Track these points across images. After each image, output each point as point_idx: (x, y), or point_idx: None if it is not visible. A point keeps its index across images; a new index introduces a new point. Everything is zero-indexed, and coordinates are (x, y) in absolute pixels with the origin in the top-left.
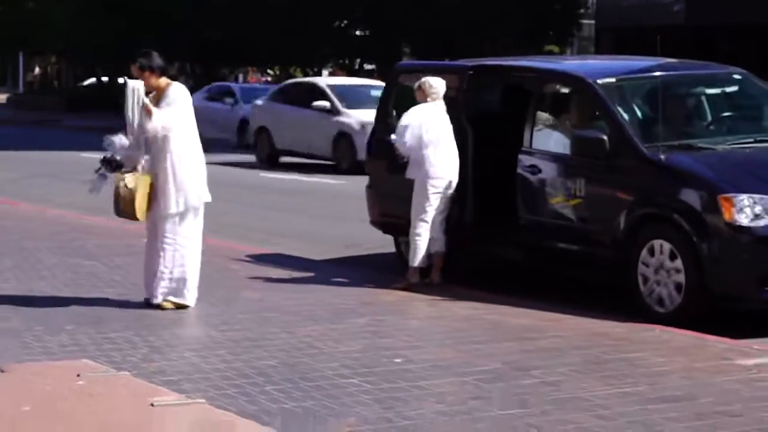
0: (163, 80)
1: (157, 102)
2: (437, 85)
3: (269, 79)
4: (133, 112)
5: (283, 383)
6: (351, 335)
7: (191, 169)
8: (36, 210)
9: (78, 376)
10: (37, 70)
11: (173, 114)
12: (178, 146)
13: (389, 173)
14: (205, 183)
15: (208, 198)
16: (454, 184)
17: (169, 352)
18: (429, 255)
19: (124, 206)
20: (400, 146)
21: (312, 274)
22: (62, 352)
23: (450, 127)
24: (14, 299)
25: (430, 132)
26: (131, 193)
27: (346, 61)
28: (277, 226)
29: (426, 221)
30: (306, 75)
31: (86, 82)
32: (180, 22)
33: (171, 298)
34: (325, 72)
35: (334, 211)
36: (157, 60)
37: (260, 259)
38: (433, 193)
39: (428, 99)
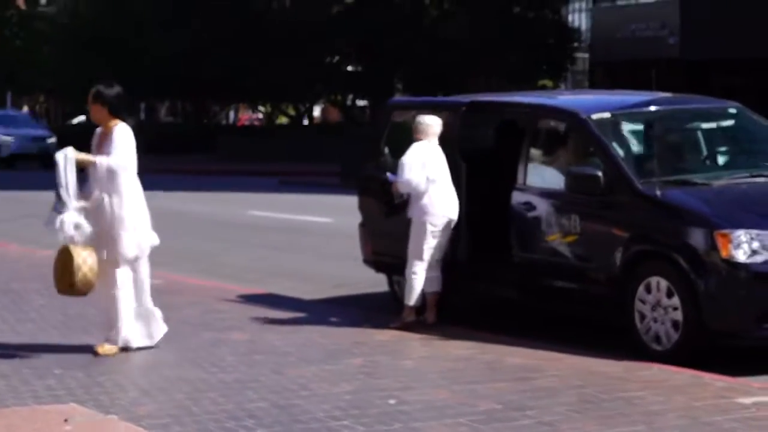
0: (113, 118)
1: (101, 139)
2: (430, 122)
3: (260, 116)
4: (66, 180)
5: (274, 426)
6: (343, 376)
7: (131, 214)
8: (25, 251)
9: (65, 420)
10: (25, 108)
11: (118, 157)
12: (117, 191)
13: (382, 211)
14: (149, 227)
15: (155, 242)
16: (452, 224)
17: (159, 395)
18: (423, 294)
19: (84, 288)
20: (403, 184)
21: (304, 314)
22: (50, 395)
23: (446, 166)
24: (1, 342)
25: (430, 170)
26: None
27: (339, 97)
28: (268, 265)
29: (422, 260)
30: (297, 111)
31: (75, 121)
32: (169, 60)
33: (105, 343)
34: (317, 108)
35: (326, 250)
36: (116, 94)
37: (251, 299)
38: (431, 232)
39: (421, 137)
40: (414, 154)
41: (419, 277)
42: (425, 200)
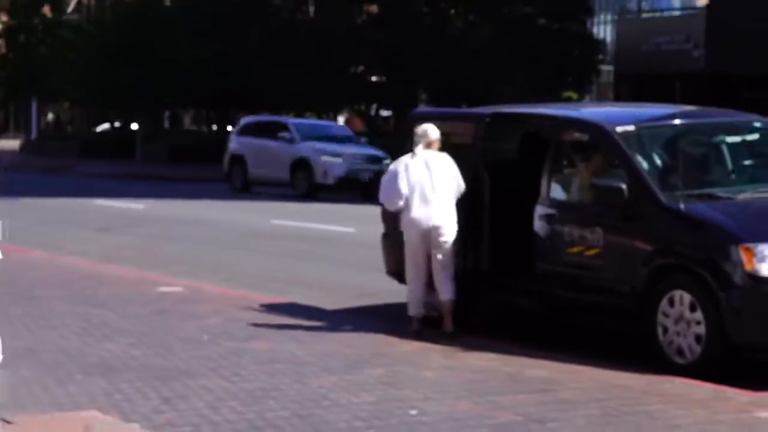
0: None
1: None
2: (425, 131)
3: None
4: None
5: None
6: (365, 386)
7: None
8: (47, 258)
9: (86, 428)
10: (50, 116)
11: None
12: None
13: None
14: None
15: None
16: (443, 231)
17: (180, 403)
18: (433, 304)
19: None
20: (382, 203)
21: (325, 324)
22: (71, 402)
23: (438, 174)
24: (23, 348)
25: (405, 183)
26: None
27: (363, 107)
28: (290, 274)
29: (409, 273)
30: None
31: (99, 128)
32: (194, 69)
33: None
34: (341, 117)
35: (348, 260)
36: None
37: (272, 308)
38: (411, 244)
39: (415, 146)
40: (388, 174)
41: (409, 287)
42: (402, 213)
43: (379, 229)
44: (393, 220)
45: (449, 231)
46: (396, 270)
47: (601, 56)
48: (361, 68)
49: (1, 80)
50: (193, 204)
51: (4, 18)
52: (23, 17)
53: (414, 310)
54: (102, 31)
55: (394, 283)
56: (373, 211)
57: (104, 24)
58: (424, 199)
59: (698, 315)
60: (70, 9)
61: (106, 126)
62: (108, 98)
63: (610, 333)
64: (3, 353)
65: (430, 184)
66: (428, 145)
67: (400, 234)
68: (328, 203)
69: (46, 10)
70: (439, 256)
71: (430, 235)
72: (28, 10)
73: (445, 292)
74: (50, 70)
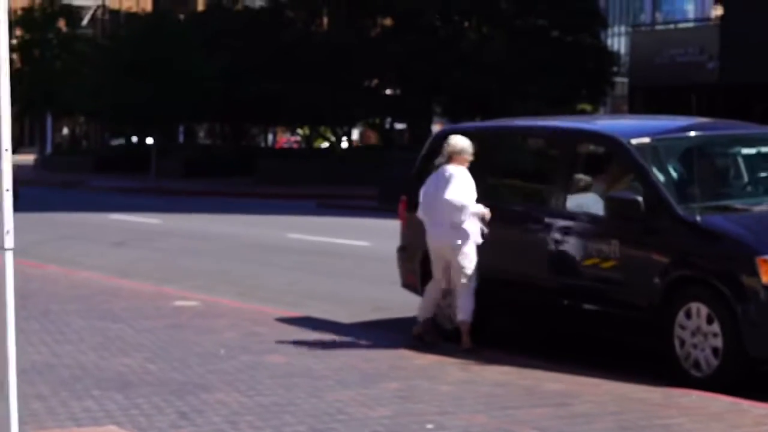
0: None
1: None
2: (448, 144)
3: (298, 138)
4: None
5: None
6: (381, 400)
7: None
8: (63, 272)
9: None
10: (65, 130)
11: None
12: None
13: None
14: None
15: None
16: (456, 253)
17: (197, 418)
18: (450, 318)
19: None
20: None
21: (341, 338)
22: (88, 417)
23: (447, 192)
24: (40, 363)
25: (425, 199)
26: None
27: (377, 121)
28: (305, 288)
29: (433, 279)
30: (335, 134)
31: (115, 143)
32: (208, 82)
33: None
34: (355, 131)
35: (363, 274)
36: None
37: (288, 322)
38: (431, 258)
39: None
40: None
41: (426, 293)
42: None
43: (393, 242)
44: (411, 234)
45: (461, 252)
46: (412, 283)
47: (615, 68)
48: (375, 81)
49: (16, 95)
50: (208, 218)
51: (19, 32)
52: (38, 31)
53: (422, 314)
54: (116, 45)
55: (409, 297)
56: (386, 225)
57: (119, 38)
58: (434, 219)
59: (715, 328)
60: (84, 23)
61: (121, 141)
62: (123, 112)
63: (627, 346)
64: (20, 367)
65: (437, 203)
66: (449, 159)
67: (415, 247)
68: (340, 217)
69: (61, 24)
70: (458, 279)
71: (444, 255)
72: (43, 24)
73: (463, 312)
74: (65, 84)
